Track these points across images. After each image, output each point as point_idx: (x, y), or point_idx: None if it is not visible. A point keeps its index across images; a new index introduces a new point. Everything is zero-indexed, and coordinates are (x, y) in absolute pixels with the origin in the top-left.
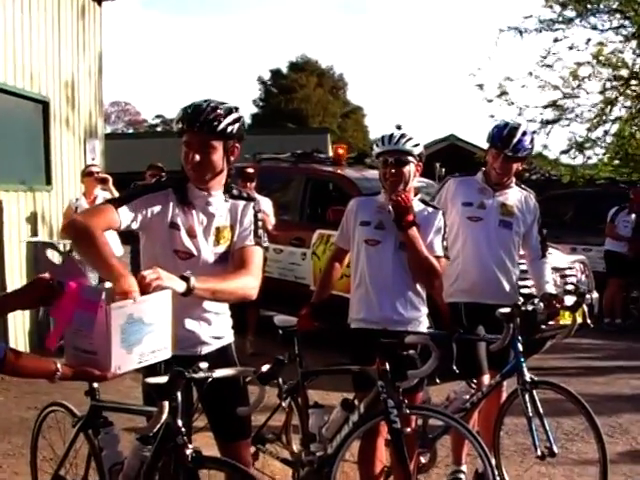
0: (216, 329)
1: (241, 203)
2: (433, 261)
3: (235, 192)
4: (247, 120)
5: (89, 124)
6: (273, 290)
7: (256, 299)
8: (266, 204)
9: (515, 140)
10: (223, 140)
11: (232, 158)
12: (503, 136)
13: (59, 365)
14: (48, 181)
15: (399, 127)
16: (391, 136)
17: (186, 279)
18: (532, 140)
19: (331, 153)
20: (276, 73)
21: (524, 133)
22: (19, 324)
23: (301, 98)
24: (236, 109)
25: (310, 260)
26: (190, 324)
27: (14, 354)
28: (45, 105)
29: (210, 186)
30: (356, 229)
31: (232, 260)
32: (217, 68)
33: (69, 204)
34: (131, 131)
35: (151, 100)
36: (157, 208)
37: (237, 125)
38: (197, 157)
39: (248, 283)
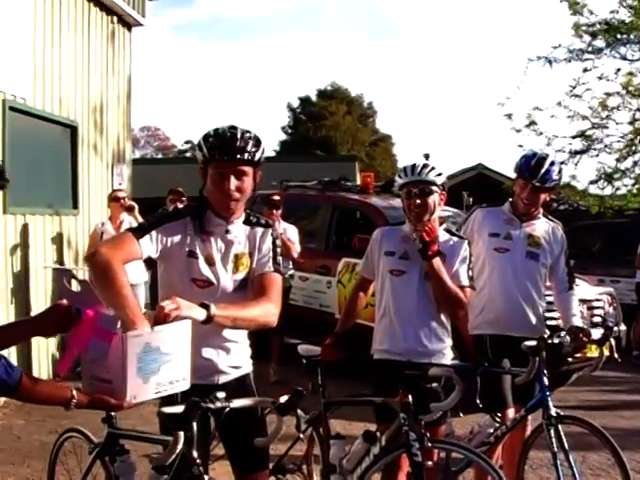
0: (234, 358)
1: (259, 230)
2: (458, 291)
3: (253, 219)
4: (275, 147)
5: (117, 149)
6: (298, 318)
7: (280, 326)
8: (292, 232)
9: (543, 170)
10: (254, 169)
11: (255, 184)
12: (531, 166)
13: (75, 393)
14: (75, 205)
15: (427, 156)
16: (413, 167)
17: (206, 307)
18: (560, 170)
19: (359, 181)
20: (305, 100)
21: (552, 163)
22: (42, 349)
23: (330, 126)
24: (260, 138)
25: (335, 288)
26: (208, 353)
27: (30, 380)
28: (73, 129)
29: (233, 214)
30: (381, 259)
31: (251, 287)
32: (246, 95)
33: (95, 229)
34: (160, 156)
35: (181, 125)
36: (176, 237)
37: (264, 154)
38: (234, 185)
39: (268, 310)
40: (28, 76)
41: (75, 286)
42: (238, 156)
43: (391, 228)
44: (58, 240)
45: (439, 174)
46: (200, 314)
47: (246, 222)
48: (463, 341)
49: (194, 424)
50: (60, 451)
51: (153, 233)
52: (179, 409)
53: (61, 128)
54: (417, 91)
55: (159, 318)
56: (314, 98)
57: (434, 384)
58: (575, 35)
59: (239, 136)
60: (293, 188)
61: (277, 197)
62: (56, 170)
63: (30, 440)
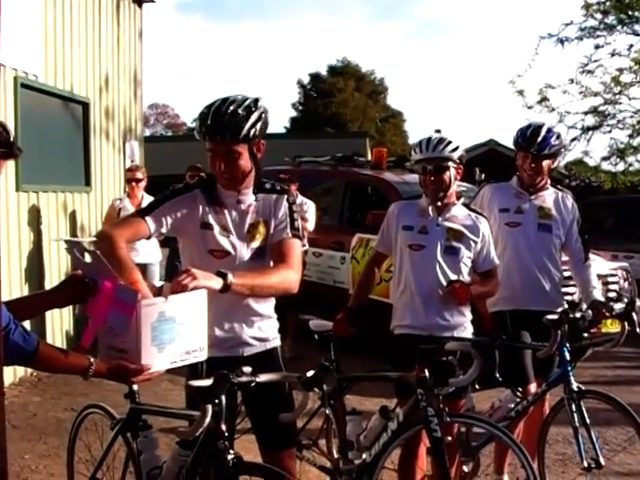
0: (259, 330)
1: (273, 196)
2: (492, 287)
3: (267, 186)
4: (286, 124)
5: (128, 126)
6: (312, 294)
7: (296, 302)
8: (309, 207)
9: (540, 138)
10: (247, 144)
11: (259, 155)
12: (527, 136)
13: (93, 360)
14: (87, 182)
15: (438, 131)
16: (429, 142)
17: (223, 275)
18: (558, 136)
19: (370, 157)
20: (315, 77)
21: (548, 130)
22: (57, 323)
23: (339, 102)
24: (255, 103)
25: (349, 264)
26: (231, 324)
27: (47, 347)
28: (85, 106)
29: (240, 187)
30: (398, 234)
31: (270, 255)
32: (256, 71)
33: (112, 204)
34: (170, 134)
35: (190, 103)
36: (185, 210)
37: (259, 125)
38: (223, 165)
39: (288, 276)
40: (39, 53)
41: (88, 258)
42: (226, 136)
43: (408, 202)
44: (70, 217)
45: (455, 149)
46: (217, 283)
47: (260, 189)
48: (481, 318)
49: (223, 397)
50: (81, 427)
51: (161, 208)
52: (208, 382)
53: (73, 105)
54: (428, 68)
55: (176, 290)
56: (324, 74)
57: (451, 358)
58: (586, 15)
59: (224, 114)
60: (306, 164)
61: (283, 175)
62: (68, 147)
63: (46, 417)
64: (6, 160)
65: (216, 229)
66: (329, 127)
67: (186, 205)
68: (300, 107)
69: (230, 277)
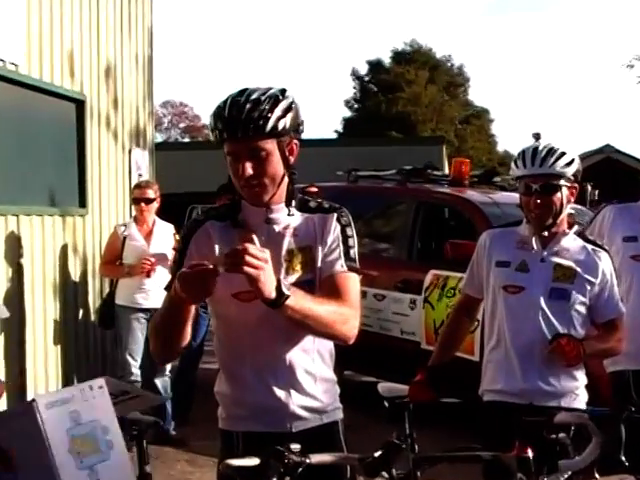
0: (314, 399)
1: (320, 216)
2: (615, 343)
3: (312, 204)
4: (337, 126)
5: (135, 129)
6: (372, 348)
7: (345, 356)
8: None
9: None
10: (276, 139)
11: (292, 158)
12: None
13: None
14: (82, 203)
15: (537, 136)
16: (535, 153)
17: (277, 284)
18: None
19: (448, 170)
20: (376, 65)
21: None
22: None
23: (408, 98)
24: (283, 93)
25: (421, 309)
26: (274, 388)
27: None
28: (80, 104)
29: (271, 200)
30: (491, 272)
31: (318, 293)
32: (298, 61)
33: (114, 231)
34: (187, 140)
35: (214, 102)
36: (204, 250)
37: (290, 115)
38: (249, 169)
39: (349, 318)
40: (21, 37)
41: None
42: (248, 131)
43: (503, 230)
44: (61, 249)
45: (569, 162)
46: (271, 289)
47: (302, 207)
48: (595, 380)
49: None
50: None
51: (185, 263)
52: (253, 461)
53: (63, 103)
54: (520, 52)
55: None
56: (387, 62)
57: (561, 434)
58: None
59: (244, 105)
60: (364, 179)
61: (314, 189)
62: (57, 157)
63: None
64: None
65: None
66: (394, 131)
67: (203, 244)
68: (356, 105)
69: (285, 288)
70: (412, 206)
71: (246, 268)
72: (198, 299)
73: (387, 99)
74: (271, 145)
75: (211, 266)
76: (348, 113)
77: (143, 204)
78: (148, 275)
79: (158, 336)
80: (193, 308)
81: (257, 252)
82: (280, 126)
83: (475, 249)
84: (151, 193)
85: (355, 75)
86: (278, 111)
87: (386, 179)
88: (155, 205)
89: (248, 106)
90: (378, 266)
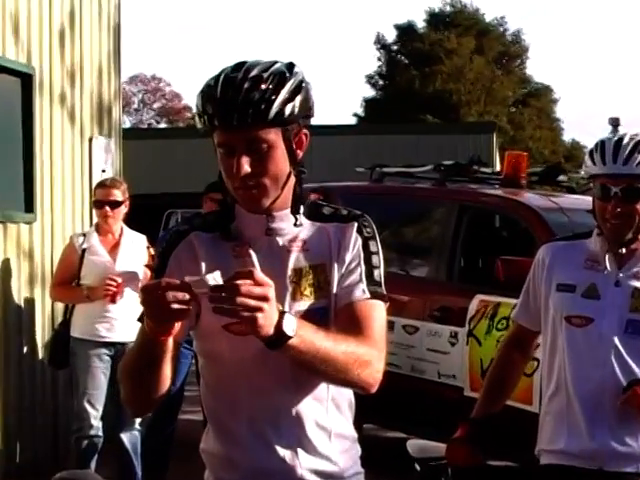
0: (327, 461)
1: (336, 226)
2: None
3: (326, 211)
4: (357, 109)
5: (98, 111)
6: (400, 395)
7: (366, 406)
8: None
9: None
10: (281, 129)
11: (300, 152)
12: None
13: None
14: (29, 207)
15: (615, 123)
16: (618, 147)
17: (279, 316)
18: None
19: (499, 165)
20: (406, 31)
21: None
22: None
23: (448, 73)
24: (290, 69)
25: (465, 346)
26: (278, 448)
27: None
28: (26, 79)
29: (273, 205)
30: (551, 297)
31: (335, 325)
32: (308, 25)
33: (70, 242)
34: (164, 125)
35: (199, 78)
36: (188, 269)
37: (299, 98)
38: (246, 166)
39: (372, 359)
40: None
41: None
42: (247, 117)
43: (568, 244)
44: (2, 265)
45: None
46: (268, 328)
47: (312, 215)
48: None
49: None
50: None
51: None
52: None
53: (6, 77)
54: (595, 16)
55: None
56: (421, 27)
57: None
58: None
59: (241, 84)
60: (391, 178)
61: (314, 195)
62: None
63: None
64: None
65: None
66: (429, 114)
67: (185, 258)
68: (381, 81)
69: (290, 320)
70: (453, 212)
71: (240, 313)
72: (165, 327)
73: (421, 74)
74: (275, 136)
75: (187, 279)
76: (371, 92)
77: (108, 208)
78: (113, 300)
79: (130, 381)
80: (172, 343)
81: (255, 290)
82: (287, 111)
83: (532, 267)
84: (118, 194)
85: (380, 43)
86: (285, 92)
87: (420, 177)
88: (123, 210)
89: (246, 85)
90: (409, 290)
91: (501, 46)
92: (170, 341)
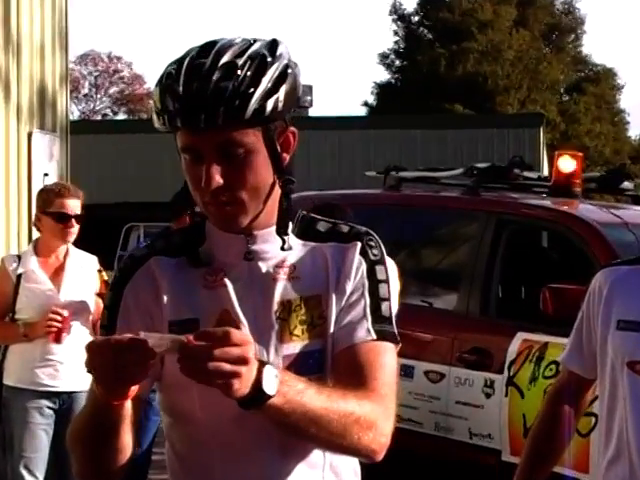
0: None
1: (334, 247)
2: None
3: (321, 227)
4: (368, 97)
5: (39, 100)
6: (421, 459)
7: (369, 473)
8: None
9: None
10: (262, 127)
11: (286, 156)
12: None
13: None
14: None
15: None
16: None
17: (259, 368)
18: None
19: (548, 169)
20: None
21: None
22: None
23: (482, 51)
24: (272, 50)
25: (503, 397)
26: None
27: None
28: None
29: (253, 223)
30: (610, 336)
31: (332, 374)
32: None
33: (2, 266)
34: (122, 117)
35: (166, 56)
36: (147, 305)
37: (284, 88)
38: (218, 177)
39: (376, 420)
40: None
41: None
42: (217, 117)
43: (632, 269)
44: None
45: None
46: (245, 386)
47: (304, 234)
48: None
49: None
50: None
51: (119, 320)
52: None
53: None
54: None
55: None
56: None
57: None
58: None
59: (213, 69)
60: (410, 184)
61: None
62: None
63: None
64: None
65: (205, 325)
66: (459, 104)
67: (143, 299)
68: (397, 62)
69: (271, 374)
70: (489, 228)
71: (213, 379)
72: (118, 392)
73: (448, 52)
74: (254, 137)
75: (143, 336)
76: (385, 75)
77: (73, 222)
78: (57, 339)
79: (82, 452)
80: (133, 403)
81: (232, 351)
82: (269, 107)
83: (585, 298)
84: (78, 205)
85: (397, 14)
86: (265, 82)
87: (446, 184)
88: (74, 230)
89: (217, 74)
90: (433, 326)
91: (550, 17)
92: (128, 403)
